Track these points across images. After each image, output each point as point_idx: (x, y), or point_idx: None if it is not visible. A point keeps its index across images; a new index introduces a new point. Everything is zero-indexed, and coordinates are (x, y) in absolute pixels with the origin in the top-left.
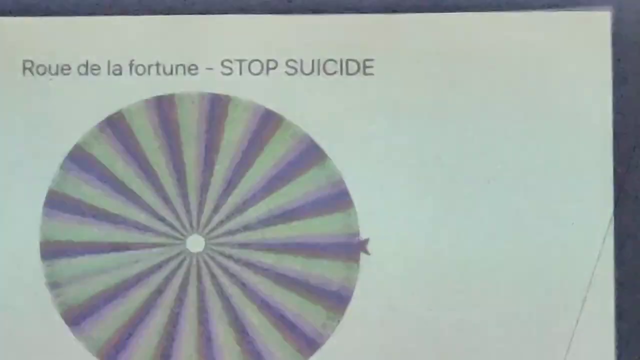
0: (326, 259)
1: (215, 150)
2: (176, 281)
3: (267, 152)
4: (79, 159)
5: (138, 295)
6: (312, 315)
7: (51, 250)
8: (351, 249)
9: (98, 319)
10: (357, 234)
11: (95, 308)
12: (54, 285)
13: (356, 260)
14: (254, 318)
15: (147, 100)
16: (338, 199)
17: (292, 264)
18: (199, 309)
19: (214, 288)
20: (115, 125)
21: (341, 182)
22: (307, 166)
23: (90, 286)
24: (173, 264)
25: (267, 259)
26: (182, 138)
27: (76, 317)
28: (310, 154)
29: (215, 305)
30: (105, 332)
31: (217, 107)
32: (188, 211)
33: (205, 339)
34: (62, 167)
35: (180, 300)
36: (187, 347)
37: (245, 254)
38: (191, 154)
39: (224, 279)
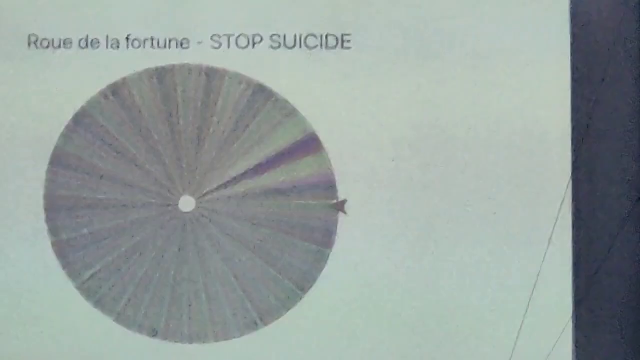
0: (308, 199)
1: (209, 119)
2: (163, 235)
3: (257, 123)
4: (83, 122)
5: (125, 242)
6: (303, 251)
7: (54, 205)
8: (329, 192)
9: (85, 256)
10: (336, 195)
11: (84, 245)
12: (60, 252)
13: (334, 219)
14: (247, 260)
15: (148, 70)
16: (312, 147)
17: (276, 207)
18: (177, 266)
19: (196, 250)
20: (118, 91)
21: (315, 136)
22: (288, 130)
23: (100, 260)
24: (163, 220)
25: (254, 207)
26: (180, 106)
27: (90, 289)
28: (294, 124)
29: (193, 267)
30: (120, 299)
31: (212, 79)
32: (182, 174)
33: (175, 298)
34: (68, 128)
35: (162, 253)
36: (157, 299)
37: (230, 217)
38: (187, 121)
39: (214, 235)
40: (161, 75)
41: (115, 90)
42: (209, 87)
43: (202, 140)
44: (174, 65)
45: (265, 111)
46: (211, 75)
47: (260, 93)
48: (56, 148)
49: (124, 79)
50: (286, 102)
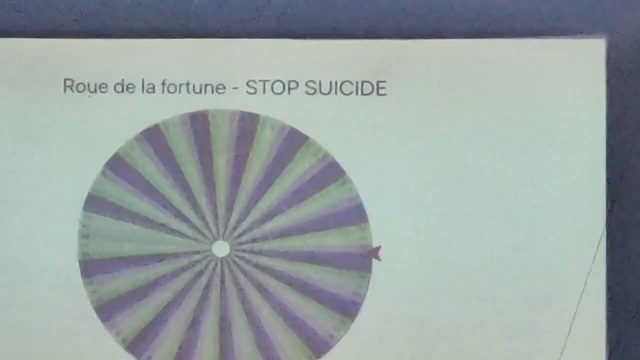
0: (340, 268)
1: (243, 163)
2: (201, 282)
3: (291, 168)
4: (117, 167)
5: (165, 294)
6: (325, 318)
7: (89, 255)
8: (364, 258)
9: (127, 314)
10: (371, 245)
11: (125, 304)
12: (88, 281)
13: (368, 269)
14: (270, 318)
15: (182, 115)
16: (354, 213)
17: (309, 271)
18: (220, 309)
19: (235, 290)
20: (152, 137)
21: (357, 197)
22: (327, 183)
23: (122, 284)
24: (199, 267)
25: (286, 266)
26: (213, 151)
27: (107, 311)
28: (330, 172)
29: (235, 307)
30: (134, 326)
31: (246, 124)
32: (216, 219)
33: (225, 339)
34: (102, 173)
35: (204, 299)
36: (209, 344)
37: (265, 261)
38: (221, 166)
39: (244, 283)
40: (195, 120)
41: (148, 135)
42: (243, 131)
43: (236, 186)
44: (207, 110)
45: (299, 156)
46: (245, 119)
47: (294, 137)
48: (90, 194)
49: (158, 124)
50: (319, 146)
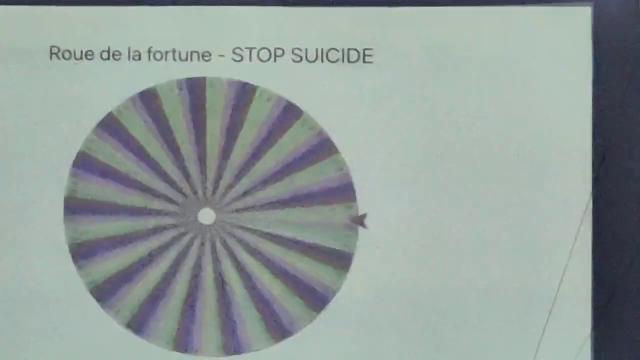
0: (327, 238)
1: (236, 133)
2: (192, 253)
3: (284, 141)
4: (110, 126)
5: (159, 269)
6: (320, 272)
7: (74, 207)
8: (350, 225)
9: (100, 260)
10: (357, 211)
11: (100, 249)
12: (77, 256)
13: (355, 233)
14: (264, 276)
15: (178, 80)
16: (342, 190)
17: (293, 244)
18: (215, 274)
19: (227, 256)
20: (148, 99)
21: (347, 175)
22: (319, 158)
23: (115, 264)
24: (187, 238)
25: (270, 237)
26: (207, 118)
27: (103, 293)
28: (322, 147)
29: (229, 270)
30: (132, 305)
31: (243, 93)
32: (204, 186)
33: (225, 303)
34: (94, 132)
35: (198, 267)
36: (209, 312)
37: (249, 232)
38: (213, 133)
39: (234, 246)
40: (191, 86)
41: (143, 97)
42: (239, 101)
43: (227, 155)
44: (204, 77)
45: (293, 129)
46: (242, 90)
47: (289, 111)
48: (80, 151)
49: (154, 87)
50: (314, 121)
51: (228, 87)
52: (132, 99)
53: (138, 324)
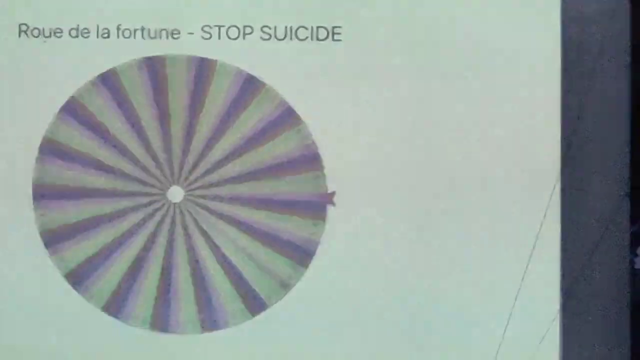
0: (294, 214)
1: (199, 109)
2: (150, 225)
3: (247, 114)
4: (73, 110)
5: (113, 230)
6: (279, 265)
7: (42, 193)
8: (318, 204)
9: (72, 244)
10: (326, 192)
11: (71, 234)
12: (49, 242)
13: (323, 217)
14: (213, 269)
15: (139, 60)
16: (309, 160)
17: (262, 217)
18: (165, 253)
19: (183, 236)
20: (109, 81)
21: (313, 144)
22: (283, 129)
23: (87, 247)
24: (151, 209)
25: (239, 212)
26: (170, 96)
27: (77, 277)
28: (286, 119)
29: (180, 254)
30: (107, 288)
31: (203, 69)
32: (171, 164)
33: (165, 284)
34: (57, 117)
35: (150, 242)
36: (148, 286)
37: (219, 207)
38: (177, 112)
39: (192, 230)
40: (151, 65)
41: (104, 79)
42: (200, 77)
43: (192, 132)
44: (164, 55)
45: (255, 103)
46: (202, 66)
47: (251, 84)
48: (45, 137)
49: (114, 69)
50: (276, 93)
51: (188, 63)
52: (93, 81)
53: (115, 307)
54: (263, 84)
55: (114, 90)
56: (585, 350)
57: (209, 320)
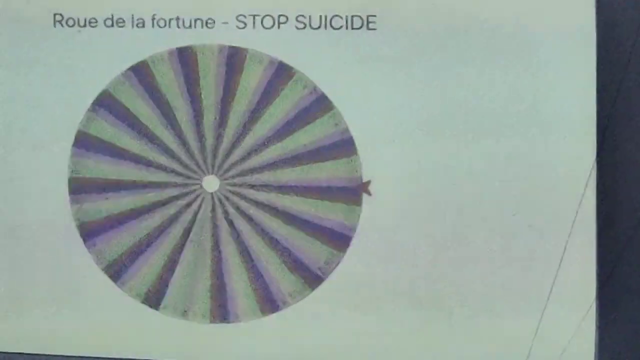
0: (330, 200)
1: (231, 98)
2: (187, 216)
3: (279, 101)
4: (106, 103)
5: (151, 221)
6: (316, 251)
7: (78, 187)
8: (354, 191)
9: (110, 237)
10: (360, 178)
11: (108, 227)
12: (87, 236)
13: (358, 202)
14: (262, 252)
15: (169, 51)
16: (343, 146)
17: (299, 205)
18: (213, 243)
19: (226, 223)
20: (140, 73)
21: (346, 130)
22: (316, 116)
23: (124, 241)
24: (188, 200)
25: (276, 199)
26: (201, 86)
27: (117, 271)
28: (318, 105)
29: (228, 242)
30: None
31: (234, 58)
32: (204, 154)
33: (218, 276)
34: (90, 110)
35: (191, 231)
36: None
37: (254, 194)
38: (209, 101)
39: (235, 216)
40: (182, 55)
41: (136, 71)
42: (231, 66)
43: (224, 121)
44: (194, 45)
45: (287, 89)
46: (232, 54)
47: (282, 71)
48: (79, 130)
49: (145, 60)
50: (308, 79)
51: (219, 52)
52: (124, 73)
53: (154, 299)
54: (294, 71)
55: (145, 81)
56: (621, 339)
57: (267, 303)
